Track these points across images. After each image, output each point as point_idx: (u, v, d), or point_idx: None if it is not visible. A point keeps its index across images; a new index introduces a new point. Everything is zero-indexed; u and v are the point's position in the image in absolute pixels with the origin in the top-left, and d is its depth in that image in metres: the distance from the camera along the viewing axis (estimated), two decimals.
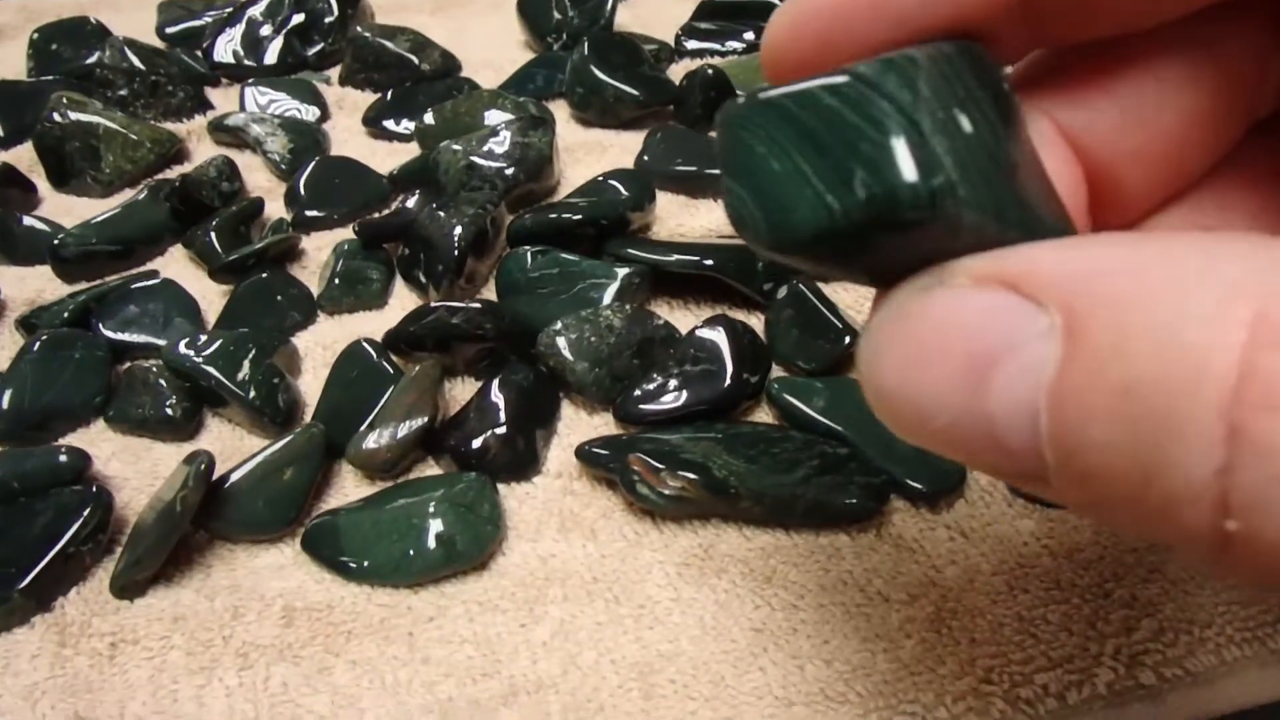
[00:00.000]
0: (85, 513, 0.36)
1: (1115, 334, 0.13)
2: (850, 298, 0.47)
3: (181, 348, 0.41)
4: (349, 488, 0.39)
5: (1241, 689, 0.31)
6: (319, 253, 0.53)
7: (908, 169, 0.15)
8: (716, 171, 0.55)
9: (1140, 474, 0.12)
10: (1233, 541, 0.12)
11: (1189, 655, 0.31)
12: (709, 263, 0.45)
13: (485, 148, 0.54)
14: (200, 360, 0.41)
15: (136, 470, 0.41)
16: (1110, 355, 0.13)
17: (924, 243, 0.15)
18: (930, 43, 0.16)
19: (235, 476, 0.37)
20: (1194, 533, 0.12)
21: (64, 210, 0.56)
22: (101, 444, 0.42)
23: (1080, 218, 0.18)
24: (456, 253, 0.46)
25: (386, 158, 0.59)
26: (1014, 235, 0.15)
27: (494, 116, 0.59)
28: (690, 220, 0.53)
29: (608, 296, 0.45)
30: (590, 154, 0.60)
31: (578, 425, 0.41)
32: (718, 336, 0.41)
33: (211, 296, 0.49)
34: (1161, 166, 0.19)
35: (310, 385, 0.44)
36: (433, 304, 0.42)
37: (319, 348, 0.46)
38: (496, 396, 0.40)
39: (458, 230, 0.47)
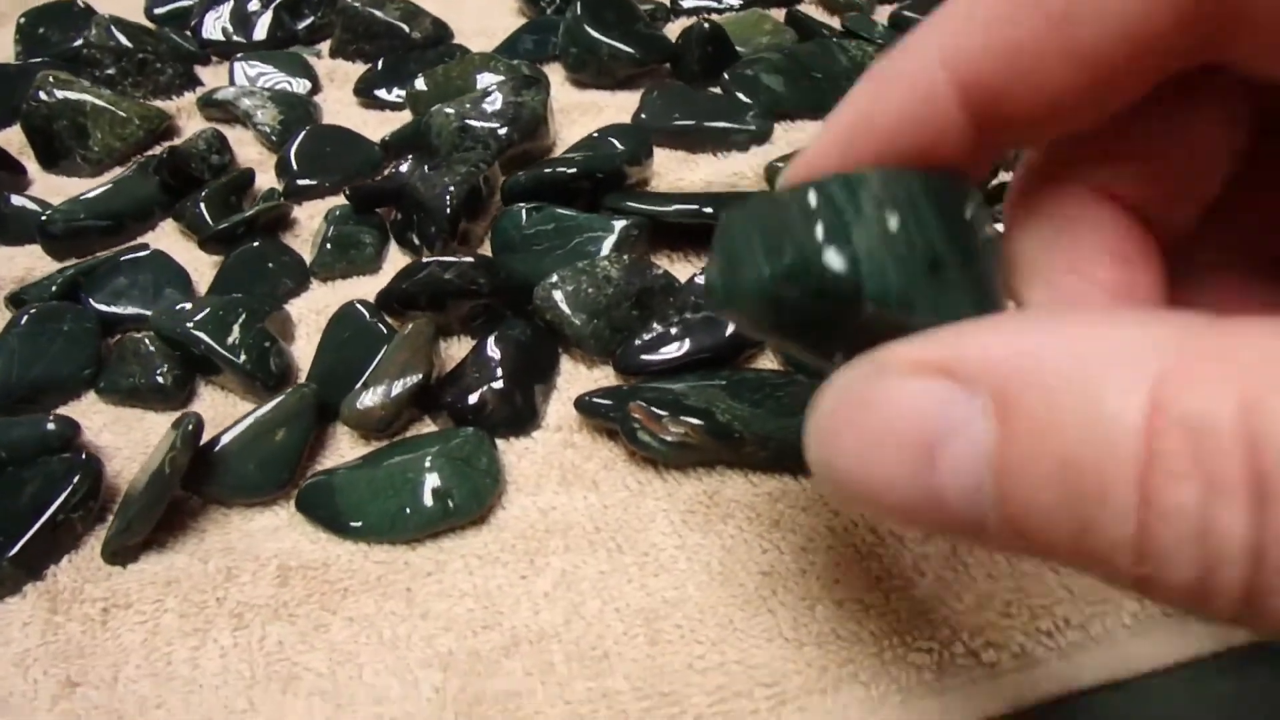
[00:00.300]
0: (74, 480, 0.35)
1: (1045, 414, 0.14)
2: None
3: (170, 313, 0.40)
4: (344, 449, 0.38)
5: None
6: (311, 221, 0.52)
7: (824, 245, 0.18)
8: (716, 124, 0.54)
9: (1075, 531, 0.14)
10: (1149, 581, 0.14)
11: None
12: (708, 210, 0.43)
13: (478, 108, 0.53)
14: (190, 326, 0.40)
15: (129, 440, 0.40)
16: (1043, 432, 0.15)
17: (844, 315, 0.19)
18: (898, 168, 0.20)
19: (226, 439, 0.36)
20: (1118, 574, 0.14)
21: (54, 190, 0.55)
22: (93, 416, 0.41)
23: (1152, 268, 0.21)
24: (449, 211, 0.45)
25: (379, 126, 0.58)
26: (921, 319, 0.18)
27: (486, 79, 0.58)
28: (689, 174, 0.52)
29: (605, 249, 0.43)
30: (586, 114, 0.59)
31: (577, 379, 0.40)
32: None
33: (203, 268, 0.49)
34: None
35: (304, 351, 0.43)
36: (425, 260, 0.40)
37: (312, 314, 0.45)
38: (493, 351, 0.39)
39: (450, 189, 0.46)
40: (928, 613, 0.30)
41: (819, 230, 0.19)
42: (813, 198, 0.19)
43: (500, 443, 0.37)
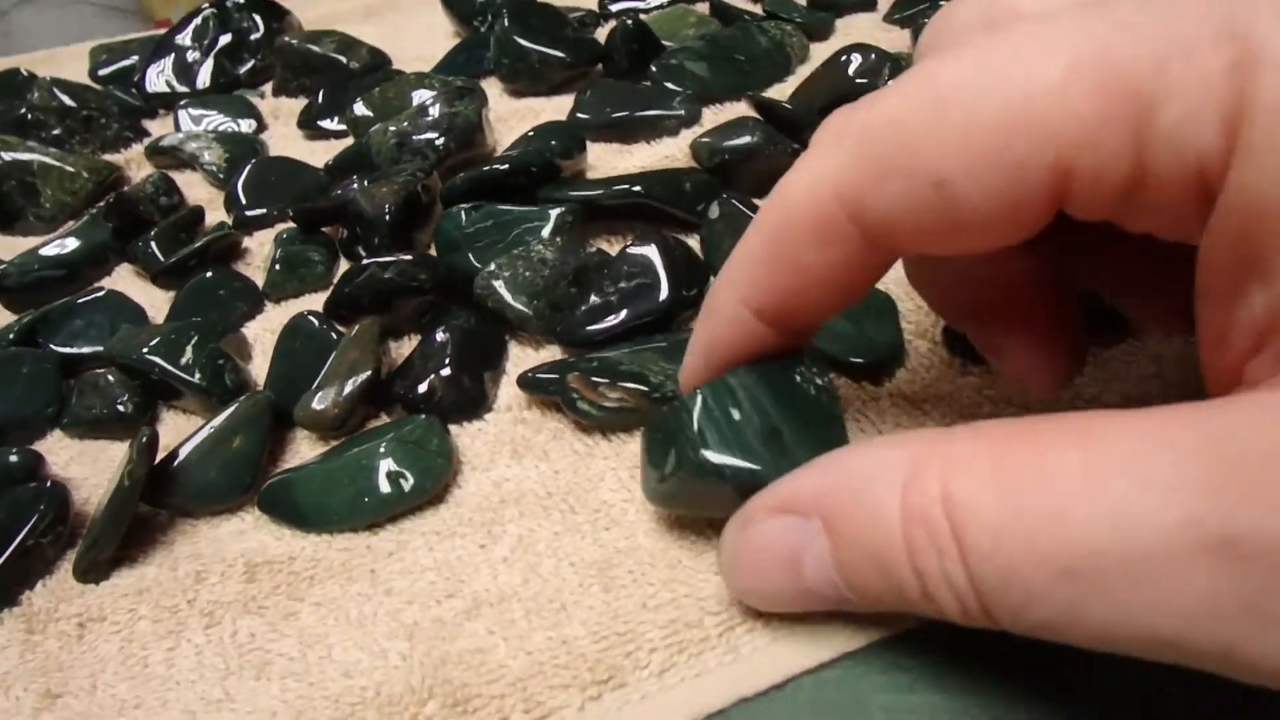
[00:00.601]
0: (41, 506, 0.36)
1: (851, 525, 0.23)
2: None
3: (124, 342, 0.41)
4: (305, 452, 0.39)
5: None
6: (263, 249, 0.53)
7: (690, 448, 0.28)
8: (647, 113, 0.55)
9: (896, 595, 0.22)
10: (941, 613, 0.22)
11: None
12: (637, 189, 0.45)
13: (414, 123, 0.54)
14: (145, 351, 0.41)
15: (95, 469, 0.41)
16: (855, 538, 0.23)
17: (718, 489, 0.27)
18: (753, 364, 0.29)
19: (185, 451, 0.37)
20: (925, 612, 0.23)
21: (10, 250, 0.56)
22: (59, 451, 0.42)
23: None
24: (388, 219, 0.46)
25: (325, 155, 0.60)
26: (771, 475, 0.26)
27: (422, 95, 0.60)
28: (624, 163, 0.53)
29: (543, 237, 0.45)
30: (524, 121, 0.60)
31: (525, 362, 0.41)
32: (649, 251, 0.41)
33: (158, 303, 0.50)
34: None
35: (261, 369, 0.44)
36: (364, 262, 0.42)
37: (267, 333, 0.46)
38: (439, 339, 0.40)
39: (388, 199, 0.47)
40: None
41: (685, 437, 0.28)
42: (683, 409, 0.28)
43: (453, 427, 0.38)
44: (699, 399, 0.28)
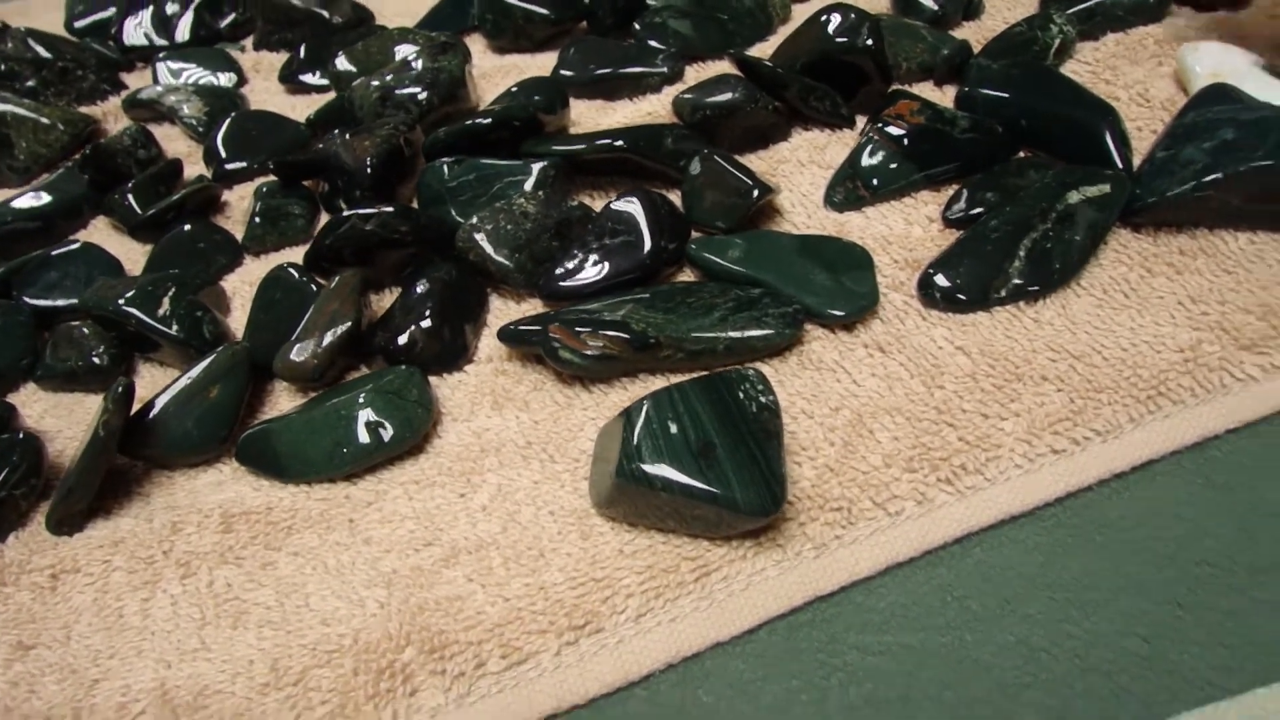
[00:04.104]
0: (14, 458, 0.36)
1: None
2: (763, 166, 0.46)
3: (100, 293, 0.41)
4: (284, 404, 0.39)
5: (1147, 440, 0.31)
6: (242, 203, 0.52)
7: (629, 458, 0.29)
8: (631, 70, 0.55)
9: None
10: None
11: (1096, 418, 0.31)
12: (619, 143, 0.44)
13: (397, 77, 0.53)
14: (121, 303, 0.40)
15: (70, 421, 0.40)
16: None
17: (654, 495, 0.29)
18: (698, 379, 0.31)
19: (161, 401, 0.37)
20: None
21: None
22: (33, 404, 0.42)
23: None
24: (370, 172, 0.46)
25: (307, 109, 0.59)
26: (697, 487, 0.29)
27: (405, 50, 0.59)
28: (607, 119, 0.53)
29: (526, 191, 0.44)
30: (508, 77, 0.60)
31: (507, 315, 0.41)
32: (633, 208, 0.41)
33: (135, 256, 0.49)
34: None
35: (240, 322, 0.44)
36: (345, 214, 0.41)
37: (247, 286, 0.46)
38: (420, 291, 0.39)
39: (370, 152, 0.46)
40: (837, 475, 0.31)
41: (623, 443, 0.29)
42: (628, 421, 0.30)
43: (434, 379, 0.38)
44: (643, 410, 0.30)
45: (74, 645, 0.31)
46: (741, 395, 0.30)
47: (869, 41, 0.46)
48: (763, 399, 0.30)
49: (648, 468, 0.29)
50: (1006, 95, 0.45)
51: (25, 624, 0.32)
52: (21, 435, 0.37)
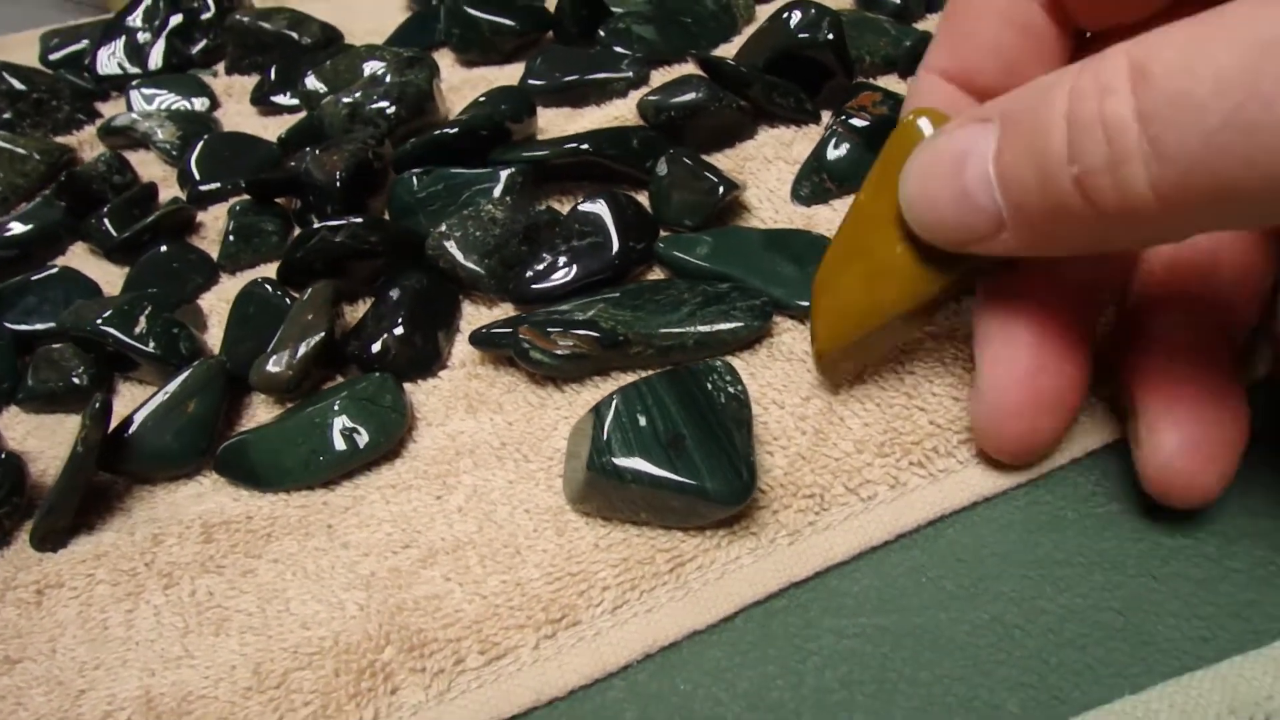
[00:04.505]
0: None
1: (1023, 115, 0.23)
2: (730, 164, 0.47)
3: (77, 313, 0.41)
4: (261, 415, 0.40)
5: (1117, 420, 0.31)
6: (217, 223, 0.53)
7: (594, 446, 0.30)
8: (597, 76, 0.55)
9: (1039, 178, 0.22)
10: (1085, 182, 0.21)
11: None
12: (585, 147, 0.45)
13: (365, 93, 0.54)
14: (98, 322, 0.41)
15: (53, 442, 0.41)
16: (1019, 132, 0.22)
17: (624, 489, 0.29)
18: (665, 371, 0.32)
19: (139, 417, 0.37)
20: (1066, 193, 0.21)
21: None
22: (15, 426, 0.42)
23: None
24: (339, 186, 0.46)
25: (279, 130, 0.59)
26: (667, 478, 0.29)
27: (373, 66, 0.59)
28: (574, 126, 0.54)
29: (494, 197, 0.45)
30: (476, 90, 0.60)
31: (479, 320, 0.41)
32: (599, 209, 0.41)
33: (113, 279, 0.50)
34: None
35: (217, 339, 0.44)
36: (314, 226, 0.42)
37: (223, 304, 0.46)
38: (392, 299, 0.40)
39: (338, 166, 0.47)
40: (809, 463, 0.32)
41: (594, 443, 0.30)
42: (590, 420, 0.30)
43: (408, 385, 0.39)
44: (613, 405, 0.30)
45: (60, 658, 0.32)
46: (710, 386, 0.31)
47: (830, 36, 0.47)
48: (731, 389, 0.31)
49: (618, 461, 0.29)
50: None
51: (11, 639, 0.33)
52: (4, 456, 0.37)
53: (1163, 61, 0.19)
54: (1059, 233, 0.23)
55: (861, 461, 0.31)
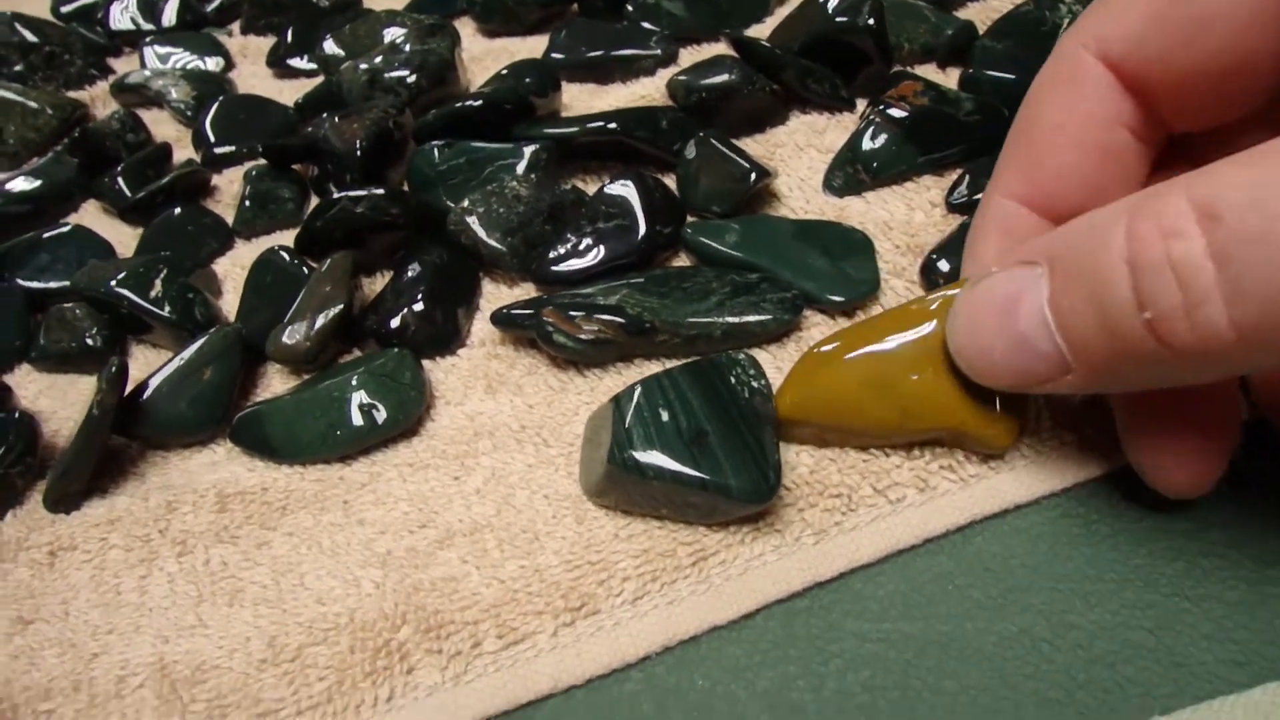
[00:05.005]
0: (10, 437, 0.36)
1: (1075, 261, 0.23)
2: (760, 150, 0.46)
3: (92, 274, 0.41)
4: (276, 386, 0.39)
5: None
6: (232, 187, 0.52)
7: (614, 439, 0.29)
8: (623, 52, 0.55)
9: (1107, 325, 0.22)
10: (1157, 326, 0.21)
11: (1106, 409, 0.31)
12: (613, 126, 0.44)
13: (385, 60, 0.53)
14: (113, 284, 0.40)
15: (64, 403, 0.40)
16: (1075, 271, 0.23)
17: (646, 485, 0.29)
18: (688, 364, 0.31)
19: (154, 382, 0.37)
20: (1140, 338, 0.21)
21: None
22: (27, 385, 0.41)
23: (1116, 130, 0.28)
24: (359, 155, 0.46)
25: (295, 94, 0.59)
26: (689, 475, 0.28)
27: (393, 33, 0.59)
28: (599, 103, 0.53)
29: (518, 174, 0.44)
30: (498, 61, 0.59)
31: (499, 299, 0.41)
32: (627, 191, 0.41)
33: (126, 239, 0.49)
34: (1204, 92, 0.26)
35: (231, 306, 0.44)
36: (335, 196, 0.41)
37: (238, 269, 0.46)
38: (412, 274, 0.39)
39: (359, 135, 0.46)
40: (837, 461, 0.31)
41: (613, 432, 0.29)
42: (617, 407, 0.30)
43: (427, 362, 0.38)
44: (634, 398, 0.30)
45: (73, 620, 0.31)
46: (733, 380, 0.30)
47: (870, 21, 0.46)
48: (754, 384, 0.30)
49: (640, 456, 0.29)
50: (1013, 77, 0.44)
51: (24, 599, 0.32)
52: (17, 415, 0.36)
53: (1231, 203, 0.19)
54: (1128, 372, 0.23)
55: (890, 463, 0.31)
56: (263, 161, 0.51)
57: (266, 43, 0.66)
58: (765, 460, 0.28)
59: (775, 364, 0.35)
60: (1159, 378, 0.23)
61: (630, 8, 0.58)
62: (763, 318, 0.35)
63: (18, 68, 0.62)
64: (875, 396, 0.29)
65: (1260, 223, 0.19)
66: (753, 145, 0.46)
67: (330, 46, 0.59)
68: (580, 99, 0.54)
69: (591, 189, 0.46)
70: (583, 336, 0.35)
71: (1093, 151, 0.27)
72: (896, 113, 0.42)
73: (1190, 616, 0.27)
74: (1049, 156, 0.28)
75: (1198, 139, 0.28)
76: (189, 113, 0.58)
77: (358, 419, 0.34)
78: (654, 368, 0.36)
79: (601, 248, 0.40)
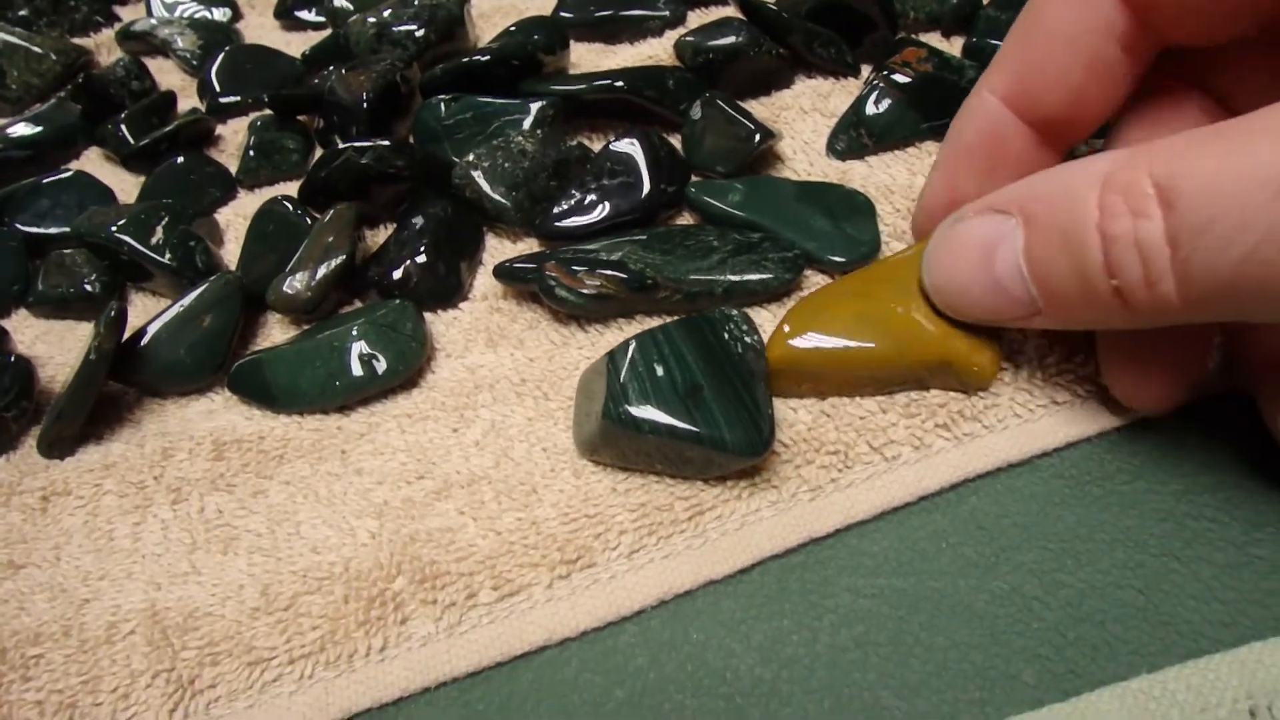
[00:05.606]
0: (5, 380, 0.35)
1: (1049, 214, 0.24)
2: (765, 112, 0.46)
3: (93, 219, 0.41)
4: (276, 335, 0.39)
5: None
6: (236, 137, 0.52)
7: (609, 394, 0.29)
8: (632, 12, 0.54)
9: (1078, 279, 0.24)
10: (1123, 292, 0.23)
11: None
12: (620, 84, 0.44)
13: (393, 13, 0.53)
14: (114, 229, 0.40)
15: (61, 348, 0.40)
16: (1049, 235, 0.24)
17: (643, 439, 0.29)
18: (682, 320, 0.31)
19: (153, 328, 0.36)
20: (1105, 299, 0.23)
21: None
22: (24, 330, 0.41)
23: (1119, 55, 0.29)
24: (365, 107, 0.45)
25: (302, 46, 0.58)
26: (685, 428, 0.28)
27: None
28: (607, 62, 0.52)
29: (524, 129, 0.44)
30: (506, 18, 0.59)
31: (502, 253, 0.41)
32: (633, 149, 0.40)
33: (128, 187, 0.49)
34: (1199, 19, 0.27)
35: (233, 255, 0.43)
36: (340, 147, 0.41)
37: (240, 219, 0.46)
38: (415, 226, 0.39)
39: (365, 87, 0.46)
40: (834, 418, 0.31)
41: (608, 385, 0.29)
42: (611, 362, 0.30)
43: (428, 315, 0.38)
44: (629, 353, 0.30)
45: (64, 565, 0.31)
46: (726, 335, 0.30)
47: None
48: (747, 339, 0.30)
49: (635, 411, 0.29)
50: None
51: (16, 544, 0.32)
52: (13, 359, 0.36)
53: (1184, 190, 0.21)
54: (1092, 318, 0.25)
55: (886, 421, 0.31)
56: (268, 112, 0.50)
57: None
58: (759, 414, 0.28)
59: (776, 322, 0.34)
60: (1117, 323, 0.25)
61: None
62: (764, 276, 0.35)
63: (22, 12, 0.62)
64: (868, 330, 0.30)
65: (1207, 212, 0.21)
66: (758, 108, 0.46)
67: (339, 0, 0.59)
68: (588, 58, 0.53)
69: (597, 146, 0.45)
70: (585, 291, 0.35)
71: (1083, 60, 0.28)
72: (900, 79, 0.42)
73: (1178, 577, 0.27)
74: (1041, 60, 0.29)
75: (1194, 55, 0.29)
76: (194, 62, 0.58)
77: (357, 369, 0.34)
78: (655, 324, 0.35)
79: (606, 204, 0.39)
